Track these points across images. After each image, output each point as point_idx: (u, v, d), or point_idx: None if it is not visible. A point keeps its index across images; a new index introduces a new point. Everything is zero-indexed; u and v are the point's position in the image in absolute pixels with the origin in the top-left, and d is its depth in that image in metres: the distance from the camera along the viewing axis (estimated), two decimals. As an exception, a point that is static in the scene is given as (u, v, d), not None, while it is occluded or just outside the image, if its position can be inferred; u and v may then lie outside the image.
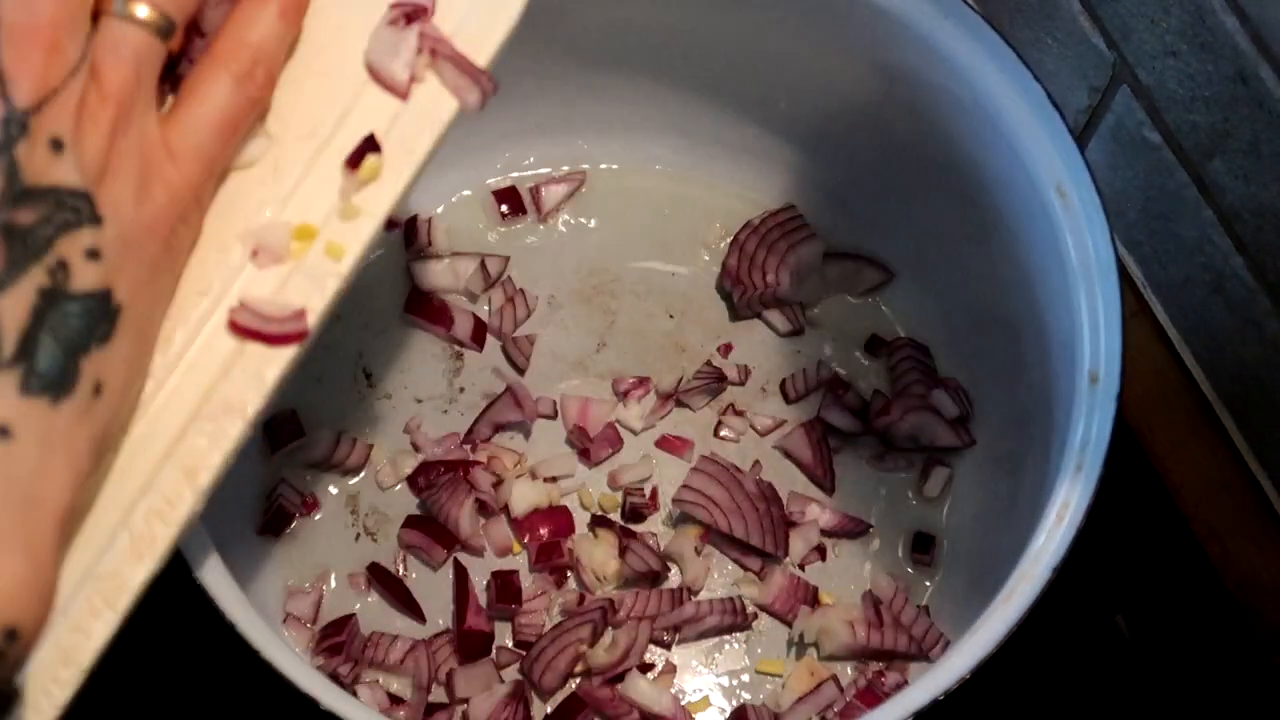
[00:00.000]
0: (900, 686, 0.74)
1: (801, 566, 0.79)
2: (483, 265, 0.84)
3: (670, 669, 0.76)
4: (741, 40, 0.79)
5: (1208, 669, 0.79)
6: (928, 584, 0.79)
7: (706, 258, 0.87)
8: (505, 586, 0.76)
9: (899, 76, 0.75)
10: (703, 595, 0.78)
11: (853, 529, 0.80)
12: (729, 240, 0.86)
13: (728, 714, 0.75)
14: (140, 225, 0.44)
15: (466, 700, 0.74)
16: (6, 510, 0.40)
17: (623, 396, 0.83)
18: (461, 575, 0.77)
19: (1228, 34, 0.67)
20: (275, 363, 0.52)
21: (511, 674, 0.75)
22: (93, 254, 0.42)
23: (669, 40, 0.81)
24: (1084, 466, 0.63)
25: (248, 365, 0.52)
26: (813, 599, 0.78)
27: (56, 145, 0.41)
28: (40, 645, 0.48)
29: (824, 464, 0.81)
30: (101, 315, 0.43)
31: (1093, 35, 0.77)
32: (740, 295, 0.84)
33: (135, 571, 0.50)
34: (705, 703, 0.76)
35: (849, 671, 0.77)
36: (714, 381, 0.83)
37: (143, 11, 0.45)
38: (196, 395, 0.52)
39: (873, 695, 0.74)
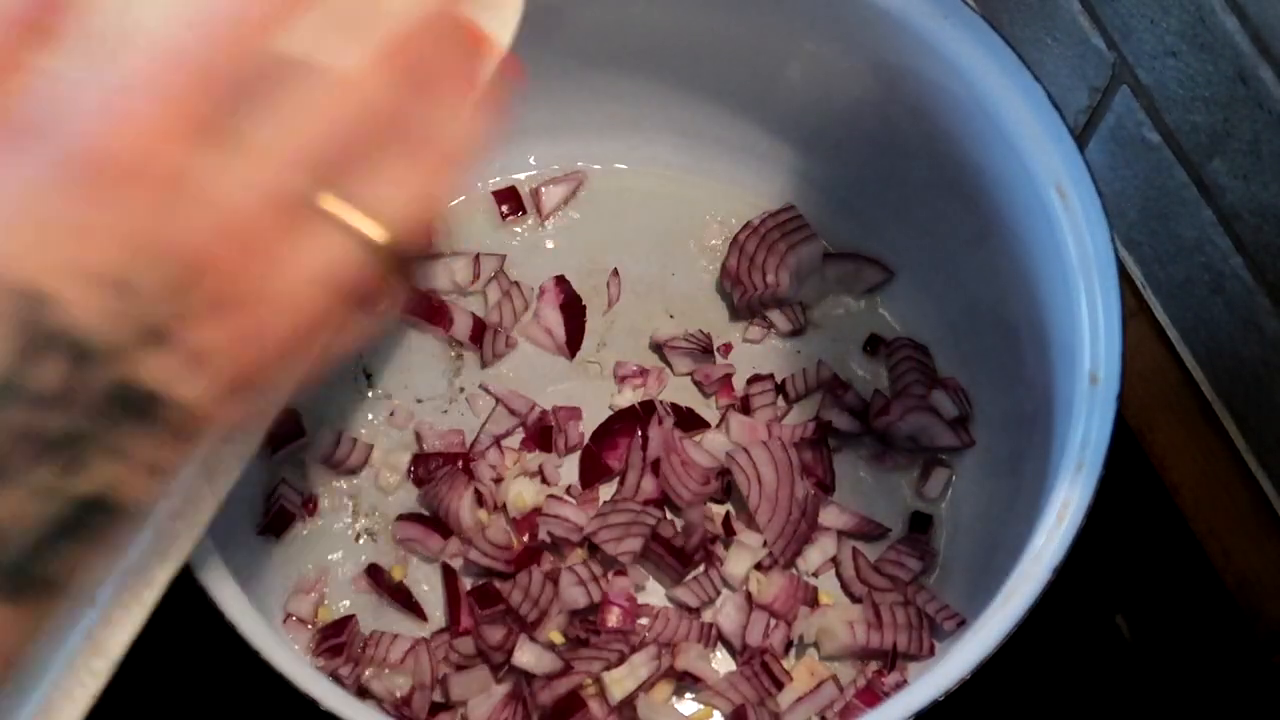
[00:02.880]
0: (900, 686, 0.74)
1: (815, 575, 0.79)
2: (476, 261, 0.84)
3: (674, 674, 0.76)
4: (741, 40, 0.79)
5: (1208, 669, 0.79)
6: (927, 584, 0.79)
7: (706, 258, 0.87)
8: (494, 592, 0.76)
9: (899, 76, 0.75)
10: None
11: (870, 532, 0.80)
12: (729, 240, 0.86)
13: (728, 714, 0.75)
14: (211, 423, 0.37)
15: (464, 702, 0.74)
16: None
17: (620, 382, 0.83)
18: (451, 578, 0.77)
19: (1228, 34, 0.67)
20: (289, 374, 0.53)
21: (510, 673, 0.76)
22: (127, 456, 0.35)
23: (668, 40, 0.81)
24: (1084, 466, 0.63)
25: None
26: (813, 599, 0.78)
27: (188, 359, 0.35)
28: (70, 637, 0.51)
29: (824, 464, 0.81)
30: (100, 517, 0.36)
31: (1093, 35, 0.77)
32: (740, 295, 0.84)
33: (160, 569, 0.53)
34: (708, 711, 0.76)
35: (849, 671, 0.77)
36: (699, 350, 0.83)
37: (369, 230, 0.37)
38: None
39: (873, 695, 0.74)
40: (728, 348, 0.85)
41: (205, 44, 0.36)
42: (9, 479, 0.34)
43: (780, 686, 0.75)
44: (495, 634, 0.74)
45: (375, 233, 0.37)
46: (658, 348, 0.84)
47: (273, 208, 0.35)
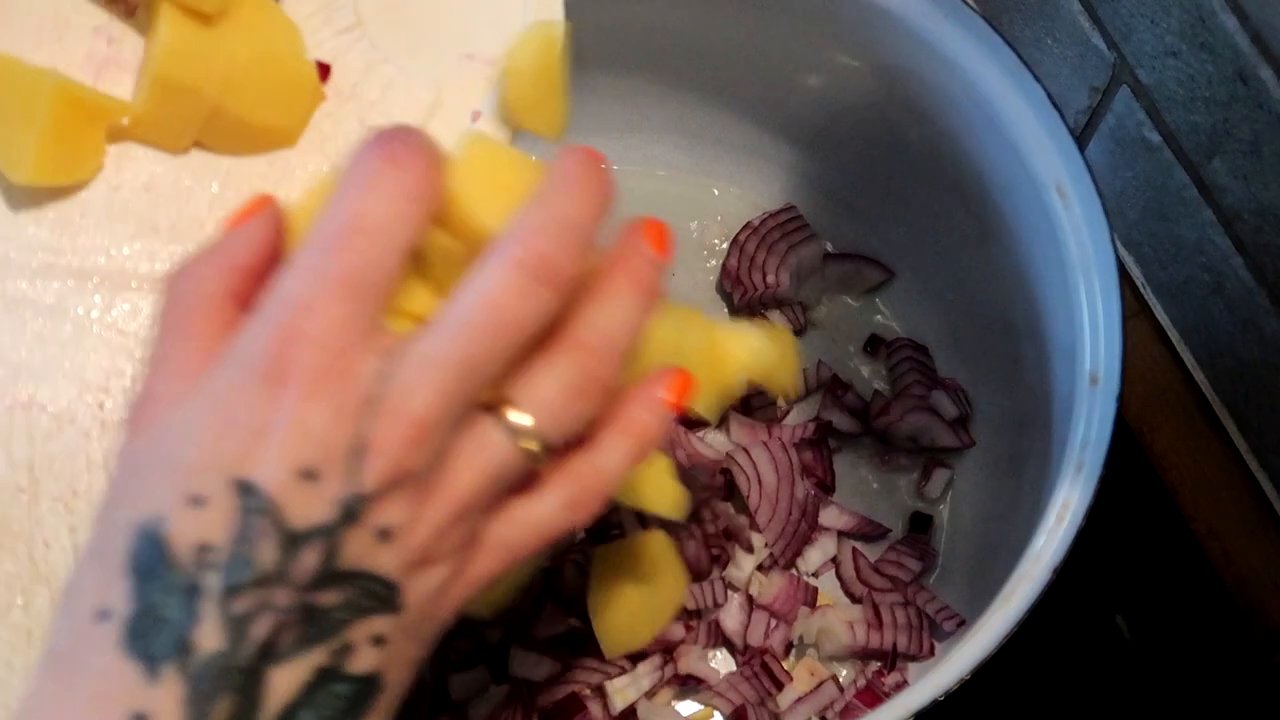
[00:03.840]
0: (900, 686, 0.74)
1: (815, 575, 0.79)
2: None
3: (674, 678, 0.76)
4: (741, 40, 0.79)
5: (1208, 669, 0.79)
6: (927, 584, 0.79)
7: (706, 258, 0.87)
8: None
9: (899, 77, 0.75)
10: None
11: (870, 532, 0.80)
12: (729, 241, 0.86)
13: (728, 714, 0.75)
14: (432, 616, 0.42)
15: (464, 702, 0.74)
16: None
17: None
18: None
19: (1228, 34, 0.67)
20: None
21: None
22: (379, 640, 0.40)
23: (669, 41, 0.81)
24: (1084, 467, 0.63)
25: None
26: (812, 599, 0.78)
27: (384, 535, 0.39)
28: None
29: (824, 464, 0.81)
30: (365, 696, 0.40)
31: (1093, 35, 0.77)
32: (740, 296, 0.84)
33: None
34: (708, 712, 0.76)
35: (849, 671, 0.77)
36: None
37: (525, 422, 0.42)
38: None
39: (873, 695, 0.74)
40: (728, 348, 0.85)
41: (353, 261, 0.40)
42: (281, 656, 0.38)
43: (780, 687, 0.75)
44: (494, 635, 0.74)
45: (526, 421, 0.42)
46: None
47: (429, 407, 0.40)
